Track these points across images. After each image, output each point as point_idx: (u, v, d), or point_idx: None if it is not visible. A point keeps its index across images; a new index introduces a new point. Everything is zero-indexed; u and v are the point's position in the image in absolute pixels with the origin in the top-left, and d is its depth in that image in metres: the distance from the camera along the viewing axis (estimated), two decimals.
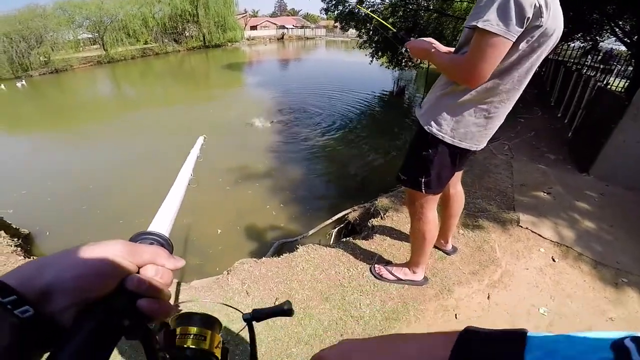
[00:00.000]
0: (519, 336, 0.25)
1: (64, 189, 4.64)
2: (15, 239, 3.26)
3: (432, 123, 1.36)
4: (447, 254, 2.10)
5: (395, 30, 1.77)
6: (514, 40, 1.05)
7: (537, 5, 1.01)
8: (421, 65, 10.83)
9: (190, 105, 9.33)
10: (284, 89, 11.26)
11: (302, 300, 1.76)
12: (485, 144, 1.40)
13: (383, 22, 1.94)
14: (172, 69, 20.85)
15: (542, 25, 1.04)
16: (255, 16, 58.59)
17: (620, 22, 6.29)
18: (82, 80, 17.85)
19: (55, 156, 6.15)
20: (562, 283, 1.98)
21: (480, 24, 1.04)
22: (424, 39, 1.41)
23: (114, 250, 0.31)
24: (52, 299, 0.27)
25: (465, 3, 10.70)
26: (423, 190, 1.49)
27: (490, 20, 1.03)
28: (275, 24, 49.85)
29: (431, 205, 1.57)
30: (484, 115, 1.29)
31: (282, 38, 45.57)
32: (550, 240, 2.34)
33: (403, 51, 1.50)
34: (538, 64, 1.19)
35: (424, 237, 1.63)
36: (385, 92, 11.07)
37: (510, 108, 1.32)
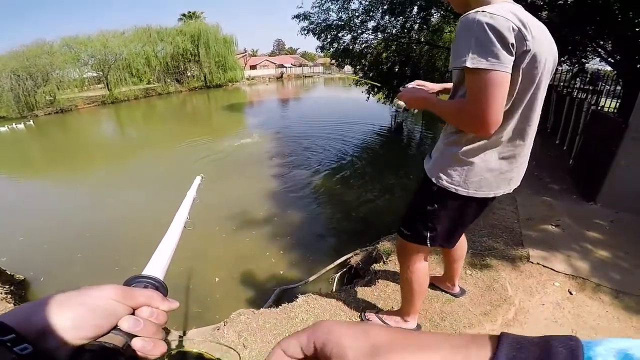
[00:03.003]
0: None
1: (60, 236, 4.63)
2: (7, 286, 3.24)
3: (442, 175, 1.25)
4: (455, 296, 1.99)
5: (379, 85, 1.70)
6: (509, 71, 0.95)
7: (516, 27, 0.93)
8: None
9: (190, 149, 9.30)
10: (284, 129, 11.41)
11: None
12: (508, 189, 1.25)
13: (371, 82, 1.90)
14: (174, 110, 21.28)
15: (530, 49, 0.96)
16: (255, 55, 60.99)
17: (602, 42, 6.40)
18: (86, 122, 18.32)
19: (54, 202, 6.19)
20: (583, 316, 1.87)
21: (469, 64, 0.94)
22: (415, 85, 1.32)
23: (108, 294, 0.33)
24: (50, 337, 0.28)
25: (454, 33, 11.12)
26: (429, 244, 1.39)
27: (476, 57, 0.93)
28: (274, 63, 51.45)
29: (422, 256, 1.49)
30: (497, 160, 1.17)
31: (282, 77, 46.79)
32: (565, 274, 2.24)
33: (397, 104, 1.42)
34: (542, 96, 1.09)
35: (412, 287, 1.55)
36: (383, 128, 11.24)
37: (529, 147, 1.20)
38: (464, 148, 1.17)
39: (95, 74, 26.23)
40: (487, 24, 0.92)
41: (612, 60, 6.47)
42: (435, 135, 10.41)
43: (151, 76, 28.57)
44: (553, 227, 2.95)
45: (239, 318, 1.91)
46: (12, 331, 0.27)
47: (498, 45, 0.92)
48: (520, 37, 0.93)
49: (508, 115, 1.07)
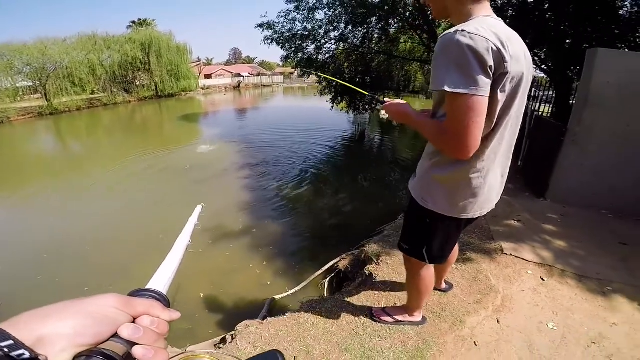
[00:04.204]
0: None
1: (14, 257, 4.20)
2: None
3: (428, 198, 1.28)
4: (444, 291, 2.15)
5: (368, 94, 1.76)
6: (487, 95, 0.94)
7: (495, 48, 0.91)
8: (377, 108, 11.59)
9: (143, 165, 8.60)
10: (245, 140, 11.15)
11: (322, 355, 1.70)
12: (492, 206, 1.30)
13: (356, 88, 1.94)
14: (122, 121, 19.82)
15: (508, 71, 0.95)
16: (210, 64, 59.38)
17: (537, 51, 7.01)
18: (22, 135, 16.47)
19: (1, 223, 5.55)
20: (558, 299, 2.13)
21: (447, 88, 0.94)
22: (400, 101, 1.31)
23: (109, 302, 0.34)
24: (49, 344, 0.29)
25: (409, 44, 11.79)
26: (427, 261, 1.44)
27: (455, 82, 0.93)
28: (230, 72, 50.20)
29: (428, 265, 1.55)
30: (479, 182, 1.17)
31: (239, 86, 45.77)
32: (534, 262, 2.52)
33: (382, 114, 1.44)
34: (519, 112, 1.11)
35: (419, 289, 1.67)
36: (345, 135, 11.55)
37: (501, 163, 1.22)
38: (447, 173, 1.18)
39: (31, 84, 23.50)
40: (467, 45, 0.90)
41: (546, 68, 7.17)
42: (393, 141, 10.95)
43: (96, 86, 26.40)
44: (515, 222, 3.28)
45: (247, 329, 1.91)
46: (10, 337, 0.27)
47: (477, 69, 0.91)
48: (499, 58, 0.92)
49: (490, 137, 1.08)
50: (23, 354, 0.27)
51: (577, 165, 3.57)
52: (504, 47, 0.93)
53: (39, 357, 0.28)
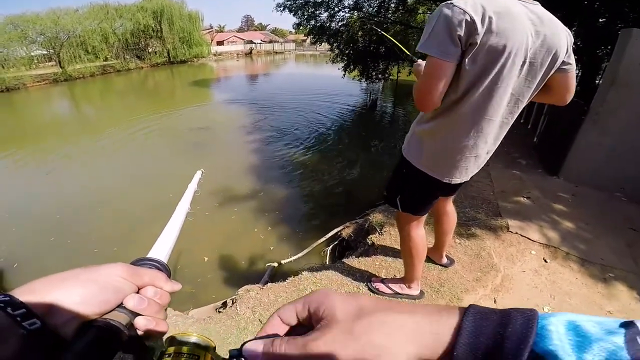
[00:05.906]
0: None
1: (28, 219, 4.34)
2: None
3: (409, 149, 1.41)
4: (445, 267, 2.15)
5: (411, 55, 1.75)
6: (452, 61, 1.03)
7: (469, 19, 0.96)
8: (391, 77, 11.24)
9: (155, 125, 8.76)
10: (257, 105, 11.10)
11: None
12: (466, 177, 1.36)
13: (403, 48, 1.91)
14: (135, 86, 19.96)
15: (477, 43, 0.98)
16: (222, 31, 57.92)
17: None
18: (38, 100, 16.69)
19: (12, 184, 5.71)
20: (557, 282, 2.11)
21: (419, 47, 1.07)
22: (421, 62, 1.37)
23: (117, 271, 0.34)
24: (58, 312, 0.29)
25: (427, 15, 11.25)
26: (400, 209, 1.54)
27: (428, 44, 1.04)
28: (242, 39, 49.12)
29: (417, 224, 1.61)
30: (447, 145, 1.25)
31: (251, 53, 45.00)
32: (539, 243, 2.48)
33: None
34: (502, 88, 1.09)
35: (411, 254, 1.69)
36: (356, 103, 11.32)
37: (489, 142, 1.24)
38: (422, 127, 1.31)
39: (45, 52, 23.91)
40: (445, 15, 0.99)
41: (574, 46, 6.88)
42: (405, 110, 10.71)
43: (109, 53, 26.57)
44: (525, 199, 3.22)
45: (248, 294, 1.96)
46: (23, 306, 0.27)
47: (445, 36, 1.00)
48: (471, 29, 0.97)
49: (461, 104, 1.13)
50: (34, 322, 0.27)
51: (595, 145, 3.48)
52: (482, 20, 0.97)
53: (49, 326, 0.28)
